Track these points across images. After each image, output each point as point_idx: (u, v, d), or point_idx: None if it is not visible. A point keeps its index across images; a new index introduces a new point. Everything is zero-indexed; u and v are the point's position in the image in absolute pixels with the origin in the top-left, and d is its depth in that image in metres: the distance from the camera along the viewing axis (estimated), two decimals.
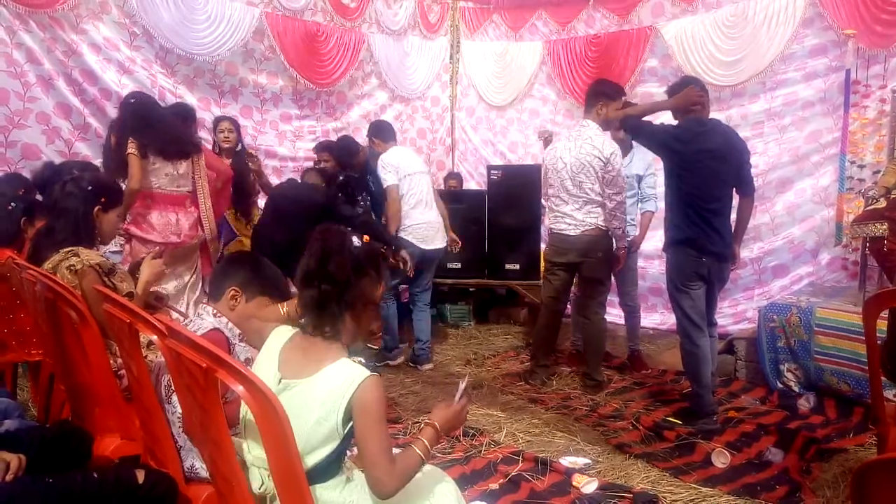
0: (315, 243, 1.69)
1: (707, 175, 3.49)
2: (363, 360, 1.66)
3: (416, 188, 4.72)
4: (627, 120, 3.78)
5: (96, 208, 2.66)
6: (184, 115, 4.29)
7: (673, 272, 3.66)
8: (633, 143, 4.40)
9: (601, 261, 4.19)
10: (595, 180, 4.07)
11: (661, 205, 4.07)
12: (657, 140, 3.68)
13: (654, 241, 5.84)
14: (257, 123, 5.91)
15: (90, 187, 2.66)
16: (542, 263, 4.65)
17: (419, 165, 4.87)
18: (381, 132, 5.00)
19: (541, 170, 5.60)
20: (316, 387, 1.60)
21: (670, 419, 3.75)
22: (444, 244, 4.89)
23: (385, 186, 4.68)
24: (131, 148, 3.65)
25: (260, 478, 1.62)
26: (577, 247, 4.16)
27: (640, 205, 4.71)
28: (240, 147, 4.87)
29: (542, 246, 5.54)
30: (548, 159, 4.30)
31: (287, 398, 1.55)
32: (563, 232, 4.18)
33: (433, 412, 1.79)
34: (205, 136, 4.97)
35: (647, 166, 4.63)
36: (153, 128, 3.76)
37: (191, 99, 5.36)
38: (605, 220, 4.12)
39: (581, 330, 4.51)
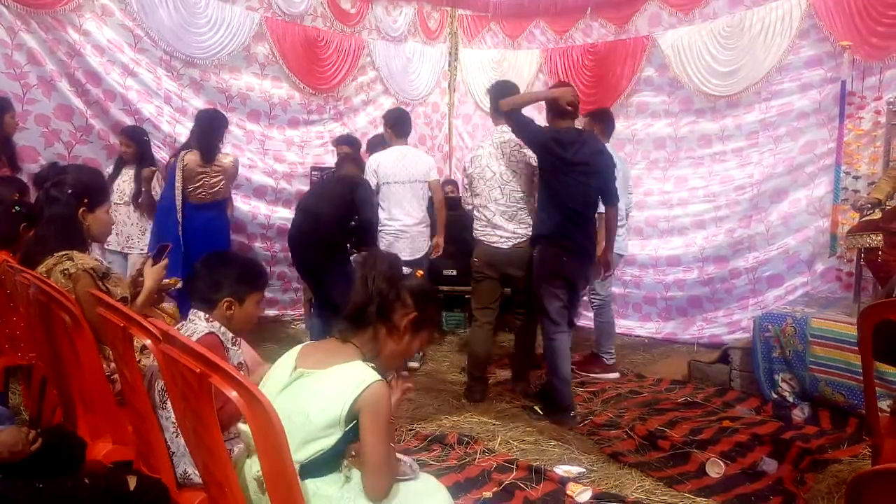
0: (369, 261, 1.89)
1: (575, 184, 3.73)
2: (375, 367, 1.74)
3: (394, 196, 4.66)
4: (515, 114, 3.80)
5: (81, 210, 2.60)
6: None
7: (539, 270, 3.85)
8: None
9: (530, 274, 4.02)
10: (525, 185, 4.01)
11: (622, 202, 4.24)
12: (539, 139, 3.78)
13: (649, 249, 5.88)
14: (265, 128, 5.91)
15: (71, 190, 2.58)
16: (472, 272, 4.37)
17: (403, 174, 4.66)
18: (397, 123, 4.81)
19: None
20: (327, 378, 1.70)
21: (536, 408, 3.97)
22: (419, 256, 4.81)
23: None
24: None
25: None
26: (511, 259, 4.05)
27: None
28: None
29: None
30: (473, 168, 4.11)
31: (299, 384, 1.72)
32: (494, 245, 4.05)
33: None
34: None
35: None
36: None
37: (197, 103, 5.37)
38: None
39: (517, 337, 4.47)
